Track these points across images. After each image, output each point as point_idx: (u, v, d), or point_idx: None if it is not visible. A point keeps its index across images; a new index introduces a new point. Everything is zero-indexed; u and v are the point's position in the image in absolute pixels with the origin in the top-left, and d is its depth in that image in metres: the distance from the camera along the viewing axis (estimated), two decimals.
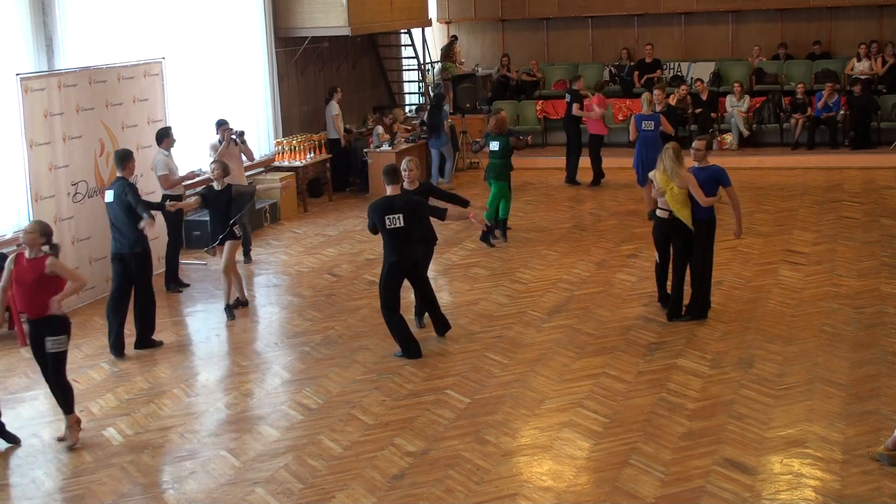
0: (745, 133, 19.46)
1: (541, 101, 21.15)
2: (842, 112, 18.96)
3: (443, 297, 11.10)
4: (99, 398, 9.07)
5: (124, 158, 10.21)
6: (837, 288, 11.16)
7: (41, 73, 11.83)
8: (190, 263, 13.29)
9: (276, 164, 16.54)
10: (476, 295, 11.58)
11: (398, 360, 9.63)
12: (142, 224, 9.99)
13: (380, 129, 17.74)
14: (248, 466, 7.61)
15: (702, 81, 20.10)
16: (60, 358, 8.09)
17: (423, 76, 21.38)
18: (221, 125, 13.42)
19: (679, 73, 21.28)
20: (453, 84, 20.59)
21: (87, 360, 10.00)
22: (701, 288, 10.23)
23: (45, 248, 8.02)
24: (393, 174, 9.66)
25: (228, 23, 15.95)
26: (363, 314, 11.07)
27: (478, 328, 10.44)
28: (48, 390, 8.33)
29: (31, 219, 10.29)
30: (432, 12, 22.11)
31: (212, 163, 11.42)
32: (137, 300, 10.23)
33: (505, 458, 7.54)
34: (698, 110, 19.51)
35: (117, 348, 10.11)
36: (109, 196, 10.22)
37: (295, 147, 16.62)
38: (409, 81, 21.97)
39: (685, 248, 10.09)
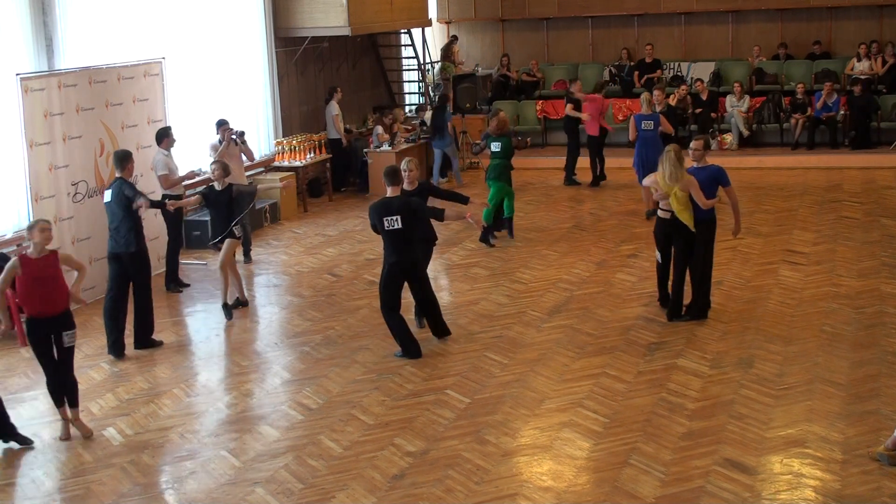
0: (745, 133, 19.46)
1: (541, 102, 21.15)
2: (842, 112, 18.96)
3: (443, 297, 11.10)
4: (99, 398, 9.07)
5: (123, 159, 10.21)
6: (837, 288, 11.16)
7: (41, 73, 11.84)
8: (190, 263, 13.29)
9: (276, 164, 16.54)
10: (476, 295, 11.58)
11: (398, 360, 9.63)
12: (136, 204, 9.99)
13: (379, 129, 17.74)
14: (248, 466, 7.61)
15: (702, 81, 20.10)
16: (72, 353, 8.29)
17: (423, 76, 21.38)
18: (221, 125, 13.42)
19: (679, 73, 21.28)
20: (453, 84, 20.60)
21: (87, 360, 9.99)
22: (701, 288, 10.24)
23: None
24: (393, 175, 9.67)
25: (228, 23, 15.96)
26: (363, 314, 11.07)
27: (478, 328, 10.44)
28: (47, 390, 8.32)
29: (31, 218, 10.28)
30: (432, 12, 22.11)
31: (212, 163, 11.42)
32: (136, 300, 10.24)
33: (505, 458, 7.54)
34: (698, 110, 19.51)
35: (117, 349, 10.11)
36: (107, 196, 10.23)
37: (295, 147, 16.62)
38: (409, 81, 21.97)
39: (686, 248, 10.09)
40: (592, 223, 14.83)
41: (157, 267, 12.23)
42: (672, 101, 17.96)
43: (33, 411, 8.80)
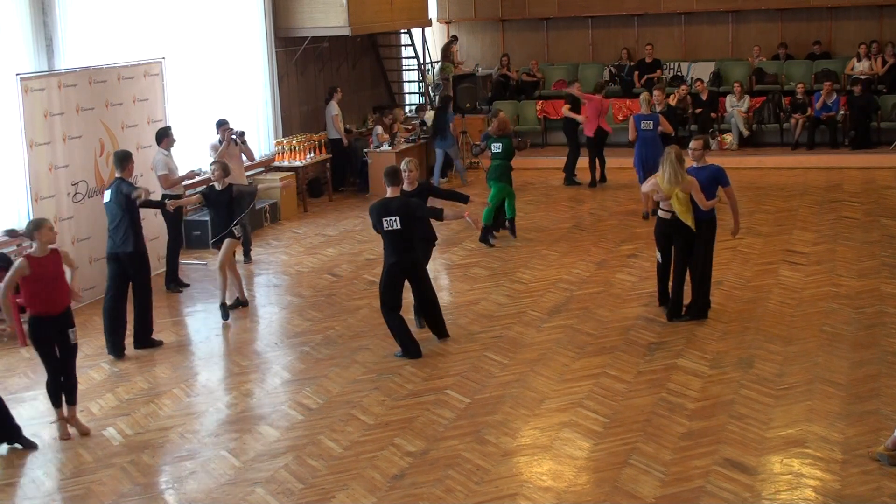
0: (745, 133, 19.46)
1: (541, 102, 21.14)
2: (842, 112, 18.96)
3: (443, 297, 11.09)
4: (99, 398, 9.07)
5: (123, 160, 10.22)
6: (837, 288, 11.16)
7: (41, 73, 11.84)
8: (190, 263, 13.29)
9: (276, 164, 16.54)
10: (476, 295, 11.58)
11: (398, 360, 9.63)
12: (135, 194, 10.03)
13: (379, 129, 17.74)
14: (248, 466, 7.61)
15: (702, 81, 20.09)
16: (76, 350, 8.43)
17: (423, 76, 21.38)
18: (222, 125, 13.43)
19: (679, 73, 21.27)
20: (453, 84, 20.59)
21: (87, 360, 9.98)
22: (701, 288, 10.24)
23: None
24: (393, 176, 9.67)
25: (228, 23, 15.96)
26: (363, 314, 11.07)
27: (478, 328, 10.44)
28: (47, 390, 8.31)
29: (31, 218, 10.26)
30: (432, 12, 22.11)
31: (212, 163, 11.42)
32: (136, 300, 10.24)
33: (505, 458, 7.54)
34: (698, 110, 19.50)
35: (117, 349, 10.11)
36: (107, 196, 10.23)
37: (295, 147, 16.62)
38: (409, 81, 21.96)
39: (686, 248, 10.09)
40: (592, 223, 14.83)
41: (157, 267, 12.24)
42: (672, 101, 17.96)
43: (33, 411, 8.80)
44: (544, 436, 7.86)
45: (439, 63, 21.80)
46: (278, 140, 16.80)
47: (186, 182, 12.75)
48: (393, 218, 9.42)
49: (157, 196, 12.17)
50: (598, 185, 17.16)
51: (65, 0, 12.54)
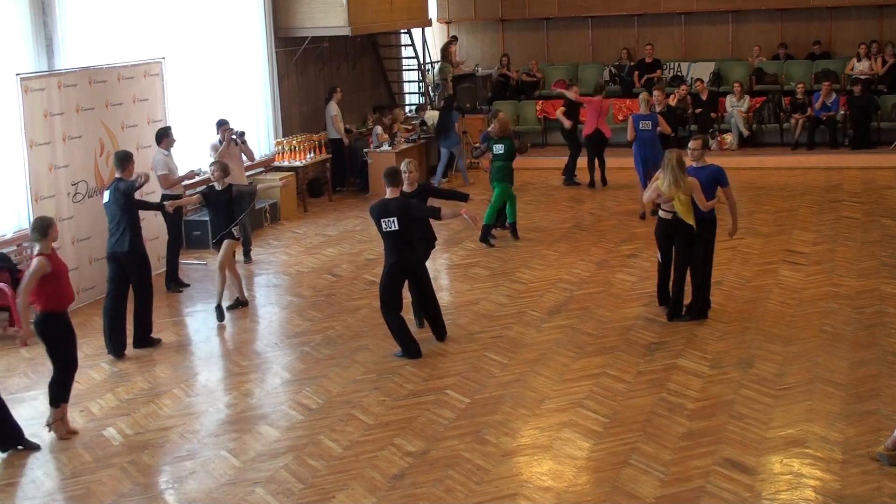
0: (745, 133, 19.46)
1: (541, 102, 21.14)
2: (842, 112, 18.97)
3: (443, 297, 11.09)
4: (99, 398, 9.07)
5: (124, 160, 10.22)
6: (837, 288, 11.16)
7: (41, 73, 11.83)
8: (190, 263, 13.29)
9: (276, 164, 16.54)
10: (476, 295, 11.58)
11: (398, 360, 9.63)
12: (139, 182, 10.10)
13: (379, 129, 17.74)
14: (248, 466, 7.61)
15: (702, 81, 20.10)
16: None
17: (423, 76, 21.38)
18: (222, 125, 13.42)
19: (679, 73, 21.27)
20: (453, 84, 20.59)
21: (87, 360, 9.97)
22: (701, 288, 10.24)
23: None
24: (393, 176, 9.67)
25: (228, 23, 15.96)
26: (363, 314, 11.07)
27: (478, 328, 10.44)
28: (49, 388, 8.30)
29: (32, 218, 10.26)
30: (432, 12, 22.11)
31: (211, 164, 11.42)
32: (136, 300, 10.24)
33: (505, 458, 7.54)
34: (698, 110, 19.50)
35: (117, 349, 10.10)
36: (106, 196, 10.23)
37: (295, 147, 16.62)
38: (409, 81, 21.96)
39: (687, 247, 10.09)
40: (592, 223, 14.83)
41: (157, 267, 12.23)
42: (672, 101, 17.95)
43: (33, 411, 8.79)
44: (544, 436, 7.86)
45: (440, 63, 21.81)
46: (278, 140, 16.80)
47: (186, 182, 12.74)
48: (391, 219, 9.42)
49: (156, 196, 12.19)
50: (597, 187, 17.14)
51: (65, 0, 12.54)
